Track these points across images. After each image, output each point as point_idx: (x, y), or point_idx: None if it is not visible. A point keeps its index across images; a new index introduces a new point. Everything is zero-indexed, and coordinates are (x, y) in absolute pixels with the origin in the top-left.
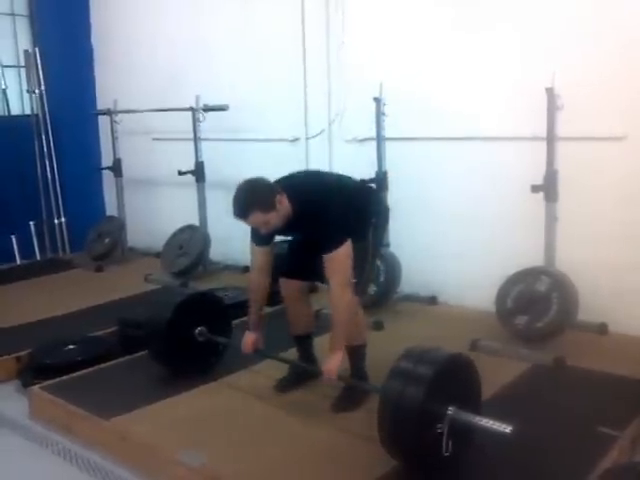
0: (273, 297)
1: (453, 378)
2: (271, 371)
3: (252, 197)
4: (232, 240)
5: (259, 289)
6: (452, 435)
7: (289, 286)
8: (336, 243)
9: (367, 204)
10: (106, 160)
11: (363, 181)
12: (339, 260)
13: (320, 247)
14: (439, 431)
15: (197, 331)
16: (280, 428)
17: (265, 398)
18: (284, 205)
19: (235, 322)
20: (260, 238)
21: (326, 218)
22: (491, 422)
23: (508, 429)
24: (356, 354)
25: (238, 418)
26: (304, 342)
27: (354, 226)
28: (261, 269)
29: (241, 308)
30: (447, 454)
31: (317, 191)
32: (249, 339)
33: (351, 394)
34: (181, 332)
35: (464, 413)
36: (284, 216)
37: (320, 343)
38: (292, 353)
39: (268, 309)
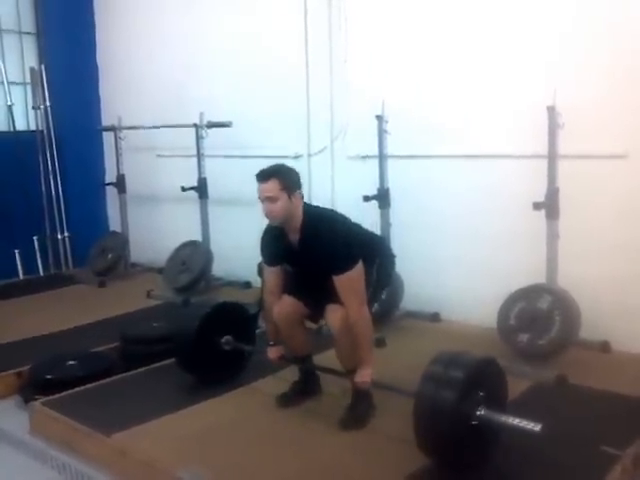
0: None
1: (482, 380)
2: (274, 387)
3: (281, 169)
4: (234, 256)
5: (272, 310)
6: (482, 435)
7: (287, 307)
8: (348, 263)
9: (373, 245)
10: (110, 176)
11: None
12: (353, 280)
13: (331, 268)
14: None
15: (223, 340)
16: (284, 443)
17: (268, 413)
18: (297, 205)
19: None
20: (270, 257)
21: (336, 238)
22: (521, 421)
23: (537, 427)
24: None
25: (242, 433)
26: (304, 361)
27: (361, 254)
28: (273, 292)
29: None
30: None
31: (328, 215)
32: (273, 352)
33: (358, 413)
34: (208, 341)
35: (493, 413)
36: (291, 214)
37: (323, 359)
38: (296, 368)
39: None
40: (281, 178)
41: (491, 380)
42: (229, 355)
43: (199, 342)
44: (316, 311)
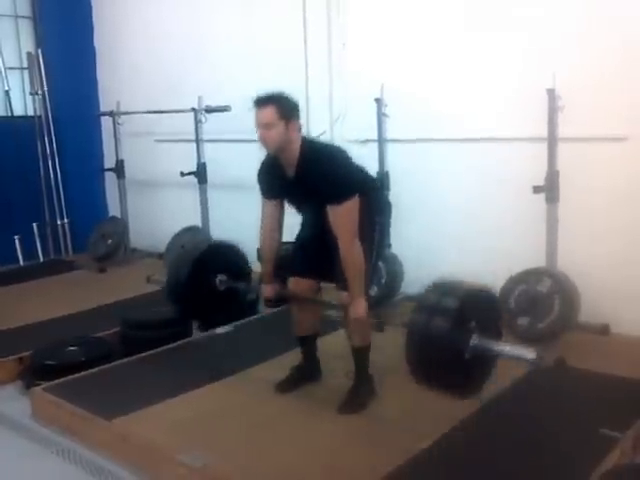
0: (275, 300)
1: (475, 309)
2: (273, 373)
3: (279, 96)
4: (234, 241)
5: (270, 248)
6: (476, 362)
7: (299, 286)
8: (342, 195)
9: (372, 201)
10: (109, 161)
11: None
12: (345, 213)
13: (327, 197)
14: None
15: (218, 280)
16: (284, 428)
17: (267, 398)
18: (294, 135)
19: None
20: (266, 189)
21: (335, 167)
22: (515, 348)
23: (532, 355)
24: (360, 355)
25: (241, 418)
26: (309, 342)
27: (359, 189)
28: (271, 229)
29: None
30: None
31: (329, 148)
32: (268, 290)
33: (357, 396)
34: (202, 282)
35: (488, 340)
36: (287, 142)
37: (325, 343)
38: (295, 354)
39: (270, 311)
40: (278, 105)
41: (485, 310)
42: (224, 295)
43: (193, 282)
44: (329, 273)
